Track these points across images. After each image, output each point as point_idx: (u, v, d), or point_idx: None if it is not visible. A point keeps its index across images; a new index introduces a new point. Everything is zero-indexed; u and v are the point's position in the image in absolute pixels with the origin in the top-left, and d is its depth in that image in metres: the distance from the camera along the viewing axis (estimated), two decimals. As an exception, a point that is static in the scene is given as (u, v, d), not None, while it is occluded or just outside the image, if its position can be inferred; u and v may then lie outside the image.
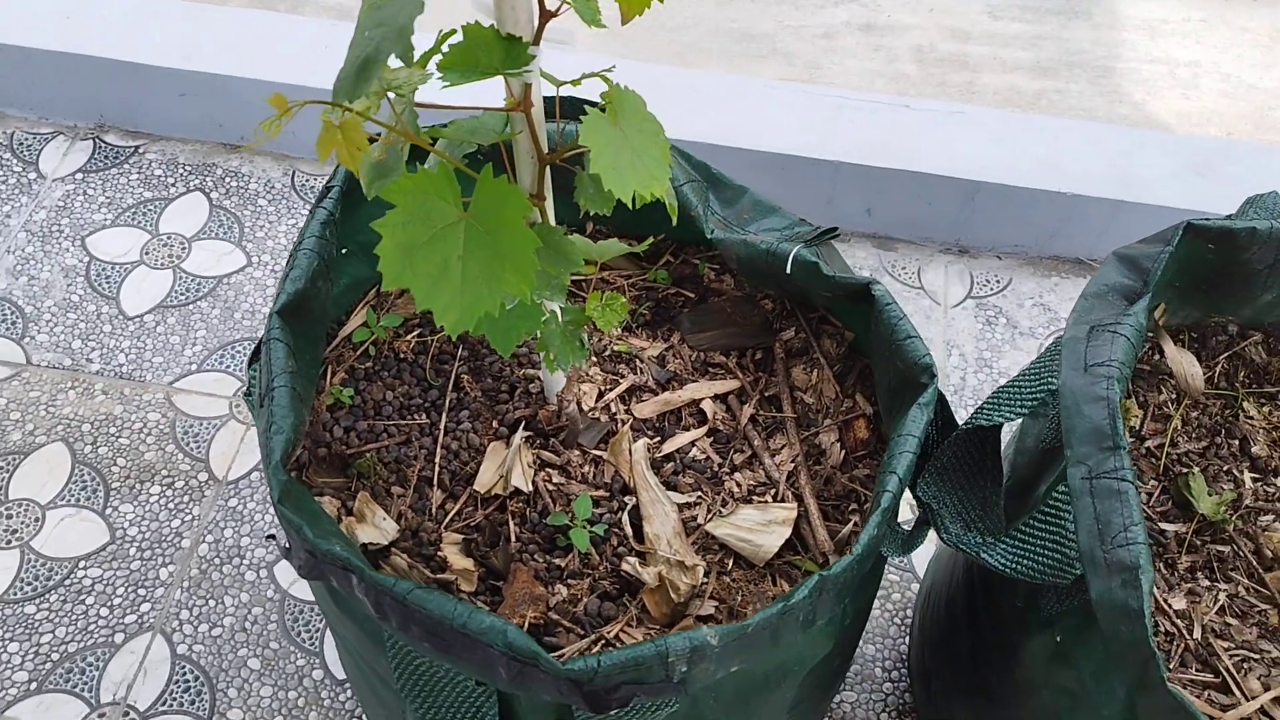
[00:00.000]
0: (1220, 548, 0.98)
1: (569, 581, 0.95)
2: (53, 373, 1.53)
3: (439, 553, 0.96)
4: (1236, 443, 1.05)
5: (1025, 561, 0.87)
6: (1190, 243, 0.97)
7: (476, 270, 0.68)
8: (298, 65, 1.70)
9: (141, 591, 1.35)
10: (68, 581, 1.36)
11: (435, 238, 0.68)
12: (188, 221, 1.70)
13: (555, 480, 1.01)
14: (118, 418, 1.49)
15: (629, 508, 0.99)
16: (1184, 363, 1.05)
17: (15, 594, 1.35)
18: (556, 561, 0.96)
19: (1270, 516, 1.00)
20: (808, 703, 1.02)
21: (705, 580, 0.94)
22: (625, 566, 0.94)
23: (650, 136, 0.74)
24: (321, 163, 0.68)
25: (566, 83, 0.79)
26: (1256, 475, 1.03)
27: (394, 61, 0.65)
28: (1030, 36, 2.35)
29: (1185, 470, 1.02)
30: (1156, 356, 1.09)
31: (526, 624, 0.91)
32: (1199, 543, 0.99)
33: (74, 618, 1.33)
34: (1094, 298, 0.95)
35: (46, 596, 1.34)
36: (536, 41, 0.72)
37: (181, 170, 1.76)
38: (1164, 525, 0.99)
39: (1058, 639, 0.89)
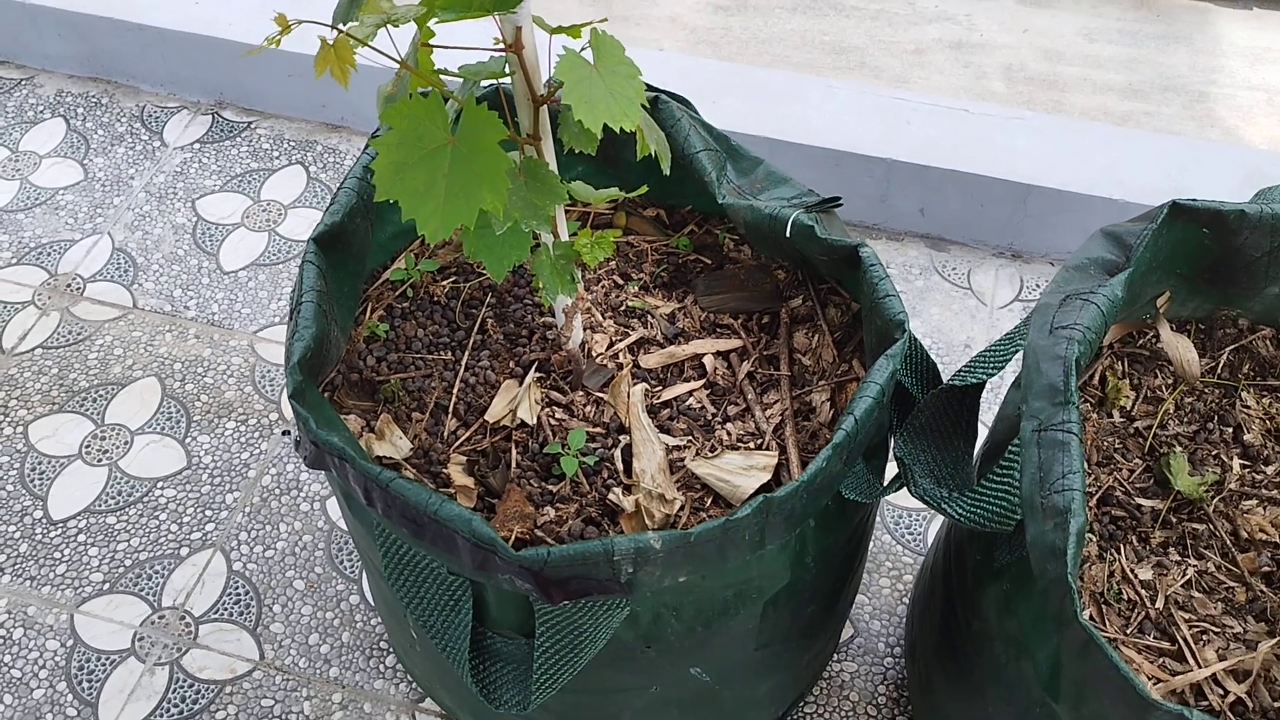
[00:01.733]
0: (1196, 526, 0.99)
1: (558, 505, 1.02)
2: (154, 316, 1.69)
3: (444, 470, 1.05)
4: (1230, 430, 1.06)
5: (978, 511, 0.90)
6: (1181, 225, 1.00)
7: (458, 186, 0.77)
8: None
9: (208, 513, 1.48)
10: (146, 499, 1.50)
11: (425, 157, 0.78)
12: (287, 191, 1.85)
13: (559, 416, 1.09)
14: (205, 359, 1.64)
15: (622, 445, 1.06)
16: (1180, 348, 1.07)
17: (100, 505, 1.49)
18: (549, 487, 1.04)
19: (1254, 501, 1.01)
20: (778, 645, 1.07)
21: (680, 513, 1.01)
22: (611, 496, 1.01)
23: (626, 79, 0.82)
24: (317, 77, 0.78)
25: (560, 30, 0.87)
26: (1246, 462, 1.04)
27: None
28: (1125, 59, 2.34)
29: (1169, 450, 1.03)
30: (1156, 343, 1.10)
31: (514, 537, 0.99)
32: (1175, 520, 1.00)
33: (147, 530, 1.47)
34: (1075, 270, 0.98)
35: (126, 510, 1.49)
36: (525, -14, 0.80)
37: (286, 145, 1.93)
38: (1141, 500, 1.01)
39: (1005, 587, 0.92)
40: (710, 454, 1.05)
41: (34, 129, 1.97)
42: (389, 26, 0.79)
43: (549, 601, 0.85)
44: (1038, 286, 1.68)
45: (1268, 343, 1.11)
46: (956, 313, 1.64)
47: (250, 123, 1.97)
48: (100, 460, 1.54)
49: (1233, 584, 0.96)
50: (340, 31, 0.72)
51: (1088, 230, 1.64)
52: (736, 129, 1.68)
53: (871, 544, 1.38)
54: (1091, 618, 0.94)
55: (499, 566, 0.84)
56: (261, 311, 1.69)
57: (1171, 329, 1.11)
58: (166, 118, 1.98)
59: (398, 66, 0.85)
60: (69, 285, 1.74)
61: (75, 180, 1.88)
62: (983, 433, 1.14)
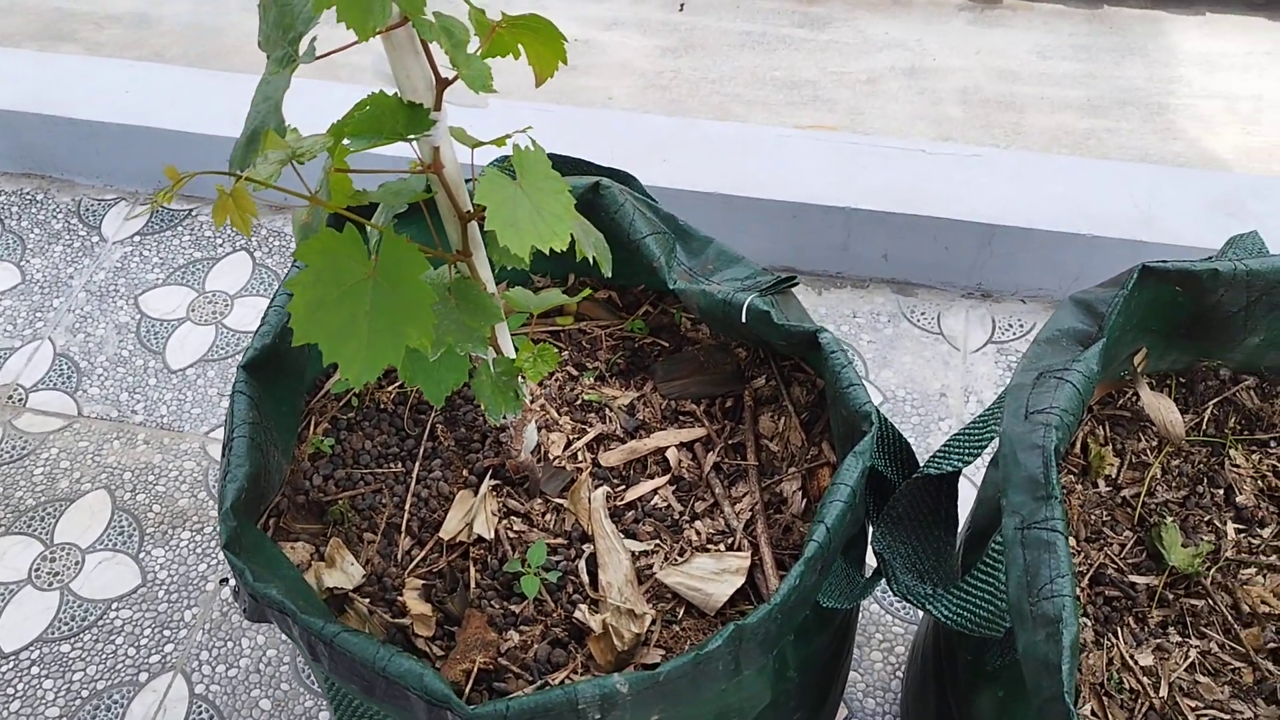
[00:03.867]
0: (1194, 602, 0.94)
1: (522, 628, 0.97)
2: (100, 424, 1.63)
3: (399, 598, 0.99)
4: (1221, 492, 1.01)
5: (965, 613, 0.85)
6: (1153, 286, 0.95)
7: (382, 324, 0.72)
8: (336, 129, 1.78)
9: (166, 632, 1.42)
10: (100, 622, 1.43)
11: (344, 295, 0.72)
12: (232, 279, 1.79)
13: (517, 528, 1.03)
14: (156, 466, 1.57)
15: (586, 555, 1.00)
16: (1162, 409, 1.02)
17: (53, 633, 1.42)
18: (512, 608, 0.98)
19: (1252, 569, 0.96)
20: (767, 756, 1.01)
21: (652, 629, 0.95)
22: (577, 614, 0.96)
23: (553, 194, 0.77)
24: (217, 228, 0.73)
25: (485, 143, 0.82)
26: (1240, 526, 0.99)
27: (303, 131, 0.69)
28: (1081, 75, 2.31)
29: (1160, 521, 0.98)
30: (1137, 403, 1.06)
31: (475, 669, 0.93)
32: (1171, 596, 0.95)
33: (103, 656, 1.40)
34: (1046, 343, 0.93)
35: (81, 636, 1.42)
36: (437, 107, 0.75)
37: (229, 231, 1.87)
38: (1134, 578, 0.96)
39: (999, 694, 0.87)
40: (679, 558, 0.99)
41: (-33, 232, 1.91)
42: (294, 162, 0.73)
43: (513, 756, 0.79)
44: (1010, 326, 1.63)
45: (1252, 394, 1.06)
46: (929, 359, 1.59)
47: (191, 210, 1.91)
48: (51, 584, 1.47)
49: (1238, 664, 0.91)
50: (239, 177, 0.67)
51: (1055, 266, 1.60)
52: (688, 187, 1.63)
53: (860, 616, 1.33)
54: (1093, 712, 0.88)
55: (456, 723, 0.78)
56: (212, 410, 1.63)
57: (1150, 386, 1.06)
58: (104, 210, 1.92)
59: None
60: (10, 396, 1.67)
61: (13, 284, 1.82)
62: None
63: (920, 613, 1.35)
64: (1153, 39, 2.40)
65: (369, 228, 0.79)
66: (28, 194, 1.96)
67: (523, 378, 0.90)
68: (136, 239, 1.87)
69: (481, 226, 0.86)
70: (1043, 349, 0.93)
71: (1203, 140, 2.13)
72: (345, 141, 0.74)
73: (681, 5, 2.56)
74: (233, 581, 0.91)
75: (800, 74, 2.37)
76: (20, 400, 1.66)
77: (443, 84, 0.75)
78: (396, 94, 0.75)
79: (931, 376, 1.58)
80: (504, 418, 1.01)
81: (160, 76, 1.92)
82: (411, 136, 0.74)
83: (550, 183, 0.78)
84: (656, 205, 1.14)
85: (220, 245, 1.85)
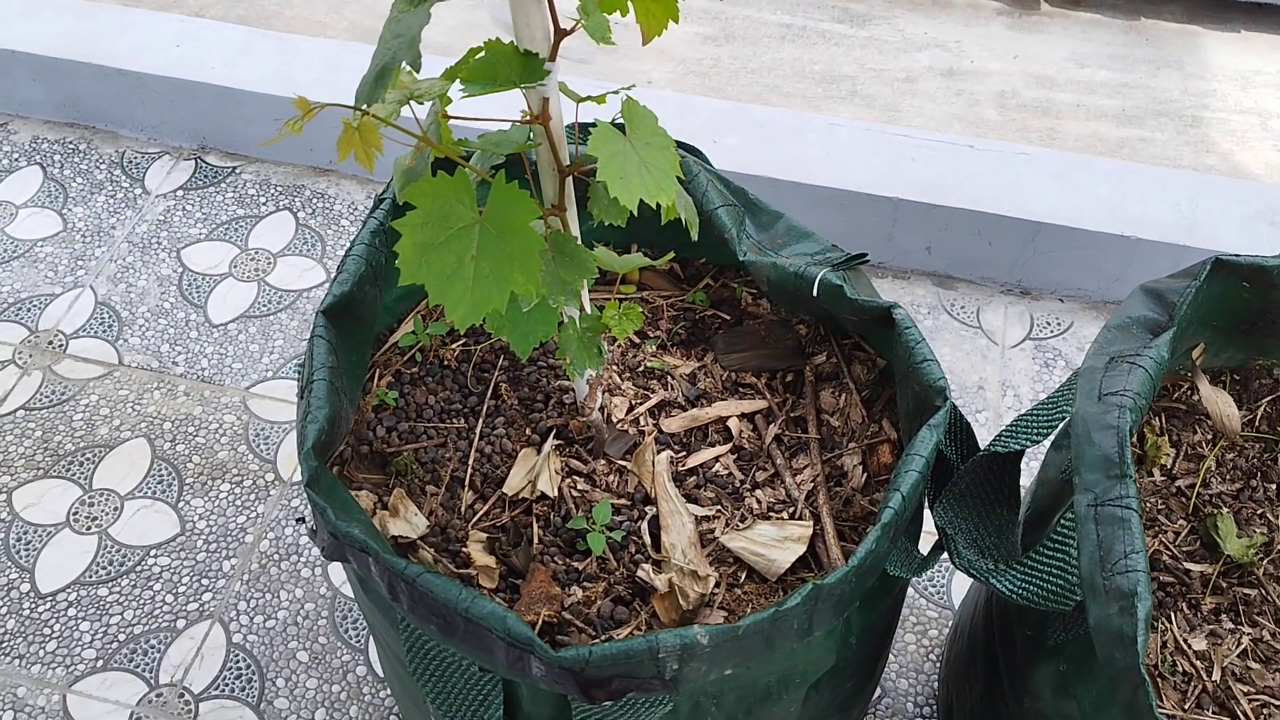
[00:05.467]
0: (1248, 591, 0.96)
1: (585, 584, 0.98)
2: (141, 373, 1.63)
3: (464, 549, 1.00)
4: (1274, 486, 1.03)
5: (1031, 587, 0.87)
6: (1222, 279, 0.97)
7: (487, 269, 0.73)
8: (385, 95, 1.79)
9: (205, 581, 1.43)
10: (139, 568, 1.44)
11: (451, 238, 0.73)
12: (275, 238, 1.80)
13: (580, 487, 1.05)
14: (196, 418, 1.58)
15: (649, 517, 1.01)
16: (1219, 402, 1.04)
17: (90, 576, 1.43)
18: (575, 564, 0.99)
19: (1304, 562, 0.98)
20: (818, 721, 1.03)
21: (716, 590, 0.96)
22: (640, 573, 0.97)
23: (659, 150, 0.78)
24: (339, 161, 0.74)
25: (587, 98, 0.83)
26: (1293, 520, 1.01)
27: (423, 75, 0.70)
28: (1117, 84, 2.33)
29: (1215, 511, 1.00)
30: (1194, 396, 1.07)
31: (540, 621, 0.94)
32: (1225, 585, 0.97)
33: (141, 602, 1.41)
34: (1117, 329, 0.95)
35: (118, 581, 1.43)
36: (552, 58, 0.76)
37: (273, 190, 1.87)
38: (1189, 565, 0.98)
39: (1062, 668, 0.88)
40: (741, 524, 1.01)
41: (9, 177, 1.91)
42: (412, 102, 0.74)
43: (589, 702, 0.81)
44: (1048, 324, 1.65)
45: (1305, 393, 1.08)
46: (968, 353, 1.61)
47: (235, 168, 1.91)
48: (89, 528, 1.48)
49: (1290, 652, 0.93)
50: (364, 113, 0.68)
51: (1096, 267, 1.62)
52: (738, 169, 1.65)
53: (895, 598, 1.34)
54: (1147, 692, 0.90)
55: (536, 667, 0.80)
56: (253, 366, 1.64)
57: (1208, 381, 1.08)
58: (147, 164, 1.93)
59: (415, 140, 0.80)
60: (50, 342, 1.67)
61: (54, 231, 1.82)
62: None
63: (961, 596, 1.37)
64: (1188, 52, 2.42)
65: (471, 173, 0.80)
66: (71, 143, 1.96)
67: (623, 340, 0.91)
68: (180, 193, 1.87)
69: (577, 182, 0.88)
70: (1113, 335, 0.95)
71: (1235, 155, 2.15)
72: (459, 86, 0.75)
73: (723, -6, 2.56)
74: (309, 520, 0.92)
75: (839, 69, 2.38)
76: (60, 346, 1.67)
77: (560, 34, 0.76)
78: (512, 42, 0.76)
79: (970, 369, 1.60)
80: (572, 379, 1.02)
81: (210, 32, 1.92)
82: (525, 85, 0.75)
83: (657, 138, 0.79)
84: (726, 179, 1.15)
85: (264, 204, 1.85)
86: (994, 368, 1.60)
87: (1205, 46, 2.42)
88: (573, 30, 0.76)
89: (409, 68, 0.66)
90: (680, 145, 1.18)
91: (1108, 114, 2.26)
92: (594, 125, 0.75)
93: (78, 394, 1.61)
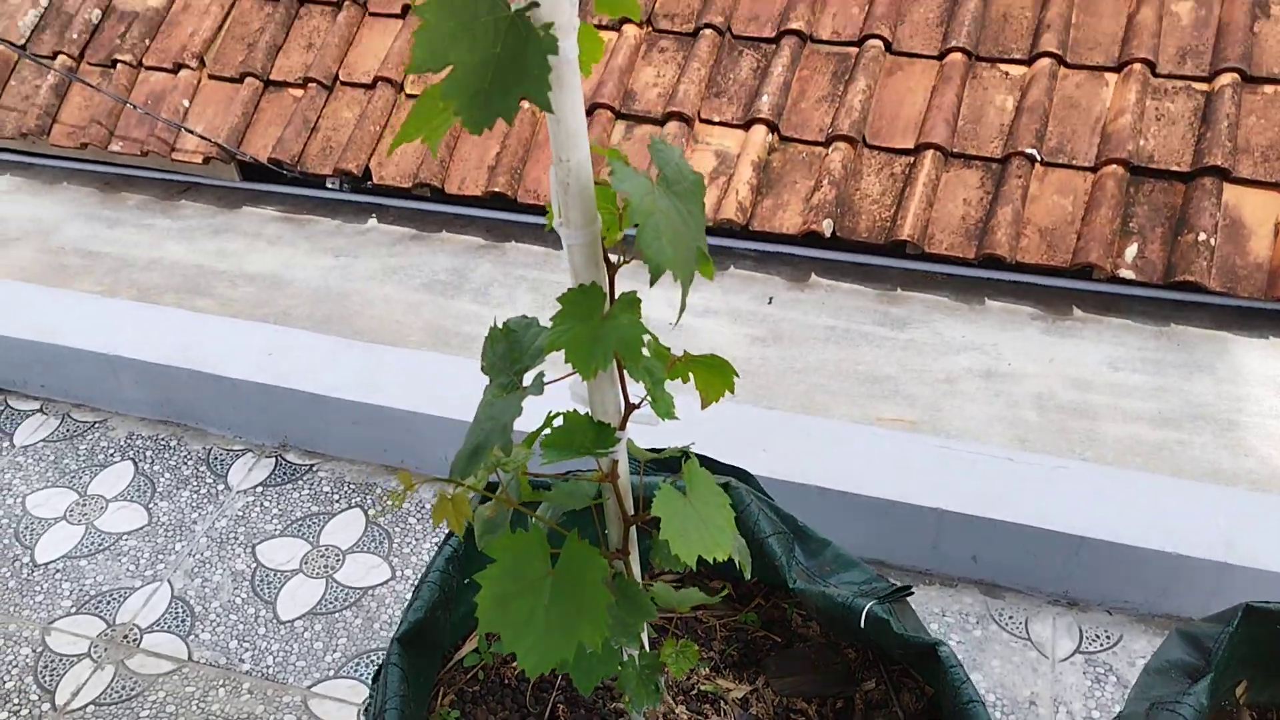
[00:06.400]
0: None
1: None
2: (209, 670, 1.69)
3: None
4: (1334, 834, 1.02)
5: None
6: (1255, 624, 1.00)
7: (557, 620, 0.80)
8: (458, 402, 1.93)
9: None
10: None
11: (525, 589, 0.81)
12: (345, 535, 1.89)
13: (635, 815, 1.06)
14: (258, 717, 1.62)
15: None
16: (1269, 743, 1.05)
17: None
18: None
19: None
20: None
21: None
22: None
23: (717, 507, 0.86)
24: (434, 527, 0.82)
25: (652, 456, 0.93)
26: None
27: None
28: (1151, 388, 2.42)
29: None
30: (1243, 733, 1.08)
31: None
32: None
33: None
34: (1155, 674, 0.98)
35: None
36: (622, 427, 0.86)
37: (346, 488, 1.98)
38: None
39: None
40: None
41: (104, 472, 2.05)
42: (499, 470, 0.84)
43: None
44: (1097, 638, 1.67)
45: (1357, 733, 1.09)
46: (1018, 665, 1.62)
47: (312, 465, 2.04)
48: (144, 831, 1.49)
49: None
50: (460, 485, 0.77)
51: (1141, 581, 1.65)
52: (785, 478, 1.73)
53: None
54: None
55: None
56: (316, 664, 1.69)
57: (1251, 718, 1.09)
58: (231, 460, 2.06)
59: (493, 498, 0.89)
60: (126, 636, 1.74)
61: (139, 525, 1.93)
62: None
63: None
64: (1219, 357, 2.52)
65: (537, 521, 0.89)
66: (162, 439, 2.11)
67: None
68: (259, 489, 1.99)
69: (642, 532, 0.96)
70: (1152, 679, 0.98)
71: (1274, 458, 2.20)
72: (539, 450, 0.85)
73: (770, 299, 2.75)
74: None
75: (881, 369, 2.51)
76: (135, 640, 1.74)
77: (630, 409, 0.86)
78: (586, 413, 0.86)
79: (1021, 683, 1.60)
80: (630, 714, 1.06)
81: (299, 340, 2.10)
82: (598, 452, 0.85)
83: (714, 496, 0.88)
84: (775, 504, 1.23)
85: (337, 501, 1.96)
86: (1045, 682, 1.60)
87: (1235, 352, 2.53)
88: (640, 405, 0.86)
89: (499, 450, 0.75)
90: (732, 470, 1.27)
91: (1144, 416, 2.34)
92: (659, 488, 0.84)
93: (146, 689, 1.66)
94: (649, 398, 0.83)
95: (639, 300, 0.76)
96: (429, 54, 0.62)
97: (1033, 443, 2.21)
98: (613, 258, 0.79)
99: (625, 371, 0.80)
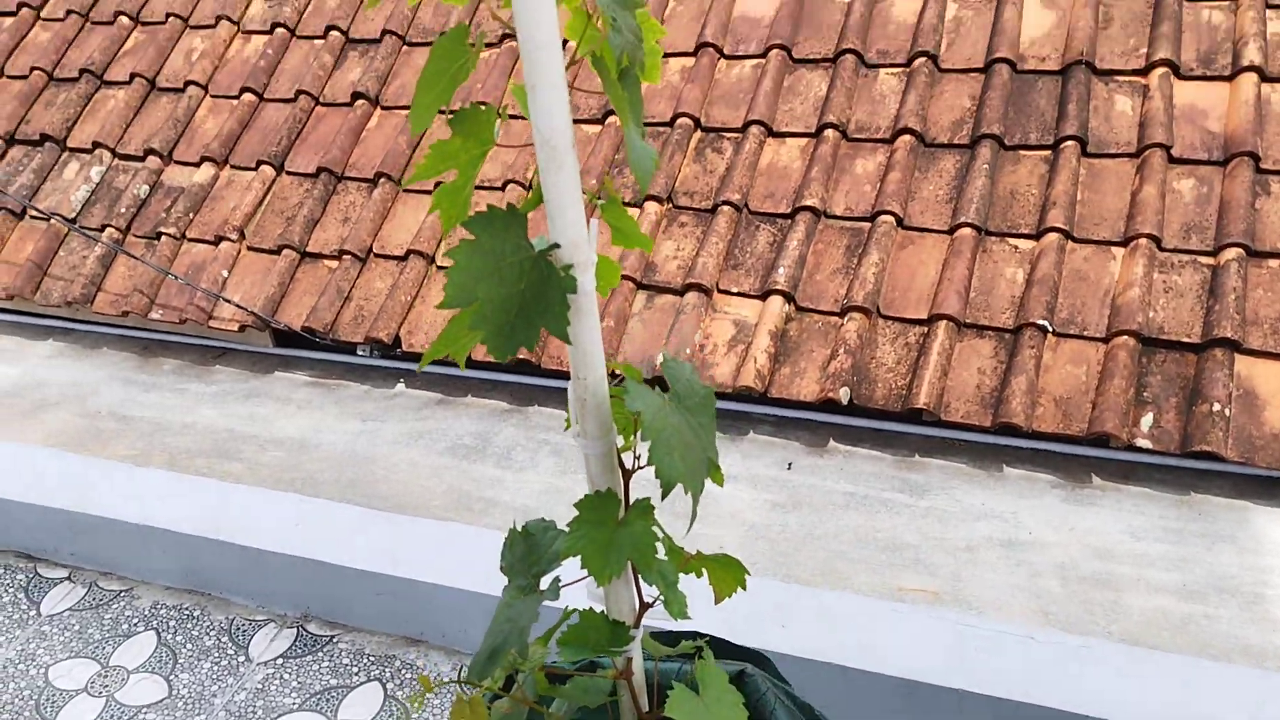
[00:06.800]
0: None
1: None
2: None
3: None
4: None
5: None
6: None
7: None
8: (479, 575, 1.95)
9: None
10: None
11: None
12: (362, 710, 1.89)
13: None
14: None
15: None
16: None
17: None
18: None
19: None
20: None
21: None
22: None
23: (730, 705, 0.88)
24: (452, 728, 0.84)
25: (667, 652, 0.94)
26: None
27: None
28: (1174, 558, 2.41)
29: None
30: None
31: None
32: None
33: None
34: None
35: None
36: (636, 625, 0.89)
37: (366, 660, 1.99)
38: None
39: None
40: None
41: (126, 642, 2.06)
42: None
43: None
44: (1129, 825, 1.62)
45: None
46: None
47: (333, 636, 2.05)
48: None
49: None
50: (478, 687, 0.80)
51: (1172, 764, 1.61)
52: (806, 655, 1.72)
53: None
54: None
55: None
56: (329, 846, 1.66)
57: None
58: (253, 631, 2.07)
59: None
60: (139, 814, 1.73)
61: (160, 698, 1.94)
62: None
63: None
64: (1240, 527, 2.51)
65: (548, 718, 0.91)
66: (186, 609, 2.13)
67: None
68: (279, 661, 2.00)
69: (656, 725, 0.97)
70: None
71: (1305, 633, 2.17)
72: (555, 650, 0.87)
73: (790, 465, 2.78)
74: None
75: (901, 537, 2.51)
76: (148, 819, 1.72)
77: (644, 608, 0.89)
78: (602, 611, 0.89)
79: None
80: None
81: (327, 512, 2.14)
82: (613, 656, 0.87)
83: (727, 694, 0.89)
84: (793, 692, 1.23)
85: (356, 674, 1.96)
86: None
87: (1256, 522, 2.52)
88: (653, 604, 0.89)
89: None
90: (748, 652, 1.27)
91: (1169, 588, 2.32)
92: (673, 686, 0.86)
93: None
94: (663, 598, 0.86)
95: (652, 507, 0.80)
96: (459, 291, 0.68)
97: (1056, 614, 2.20)
98: (628, 464, 0.83)
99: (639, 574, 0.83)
